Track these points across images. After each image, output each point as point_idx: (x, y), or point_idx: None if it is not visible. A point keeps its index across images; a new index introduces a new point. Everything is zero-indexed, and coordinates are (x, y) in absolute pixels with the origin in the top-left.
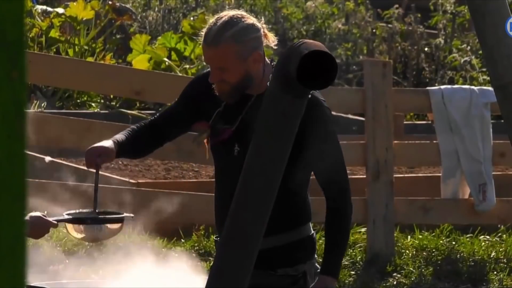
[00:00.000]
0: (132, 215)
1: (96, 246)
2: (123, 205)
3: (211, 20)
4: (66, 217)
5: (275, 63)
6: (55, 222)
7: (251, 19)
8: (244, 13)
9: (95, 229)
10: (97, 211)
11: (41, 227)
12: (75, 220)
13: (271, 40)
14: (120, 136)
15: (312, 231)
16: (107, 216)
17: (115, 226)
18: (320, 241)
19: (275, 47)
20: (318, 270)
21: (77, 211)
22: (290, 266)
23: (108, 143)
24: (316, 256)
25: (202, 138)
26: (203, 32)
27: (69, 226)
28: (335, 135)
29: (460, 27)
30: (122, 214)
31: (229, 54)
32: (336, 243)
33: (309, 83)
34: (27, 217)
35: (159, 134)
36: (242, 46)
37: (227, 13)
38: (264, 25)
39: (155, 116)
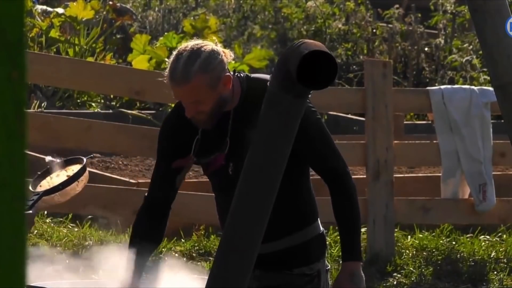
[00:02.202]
0: (91, 155)
1: (97, 246)
2: (124, 205)
3: (172, 57)
4: (35, 195)
5: (238, 73)
6: (31, 210)
7: (209, 45)
8: (200, 41)
9: (70, 189)
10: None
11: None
12: (48, 192)
13: (229, 55)
14: (135, 262)
15: (322, 229)
16: (75, 172)
17: (85, 175)
18: (329, 239)
19: (232, 61)
20: (329, 267)
21: (35, 179)
22: (305, 265)
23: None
24: (327, 253)
25: (183, 174)
26: (166, 71)
27: (46, 200)
28: (317, 121)
29: (460, 27)
30: (79, 158)
31: (201, 87)
32: (349, 225)
33: (309, 83)
34: None
35: (167, 203)
36: (211, 74)
37: (185, 46)
38: (219, 44)
39: (150, 193)
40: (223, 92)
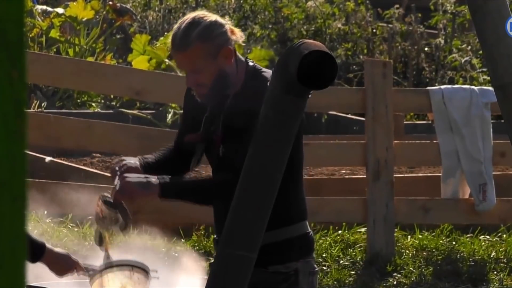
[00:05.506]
0: (156, 271)
1: (96, 247)
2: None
3: (175, 25)
4: (98, 268)
5: (250, 62)
6: (84, 268)
7: (213, 17)
8: (206, 12)
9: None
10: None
11: (67, 265)
12: (105, 269)
13: (239, 35)
14: (148, 156)
15: (308, 230)
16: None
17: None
18: (320, 241)
19: (243, 44)
20: (316, 269)
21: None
22: (281, 264)
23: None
24: (313, 255)
25: (198, 155)
26: (169, 40)
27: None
28: (252, 119)
29: (460, 27)
30: (146, 267)
31: (199, 55)
32: (195, 183)
33: (309, 83)
34: (58, 250)
35: (185, 153)
36: (210, 44)
37: (189, 16)
38: (229, 22)
39: (176, 137)
40: (224, 66)
